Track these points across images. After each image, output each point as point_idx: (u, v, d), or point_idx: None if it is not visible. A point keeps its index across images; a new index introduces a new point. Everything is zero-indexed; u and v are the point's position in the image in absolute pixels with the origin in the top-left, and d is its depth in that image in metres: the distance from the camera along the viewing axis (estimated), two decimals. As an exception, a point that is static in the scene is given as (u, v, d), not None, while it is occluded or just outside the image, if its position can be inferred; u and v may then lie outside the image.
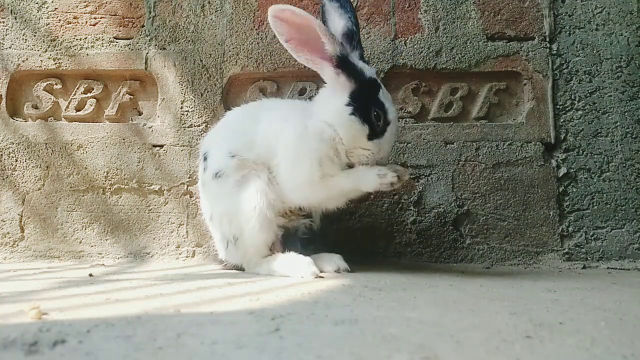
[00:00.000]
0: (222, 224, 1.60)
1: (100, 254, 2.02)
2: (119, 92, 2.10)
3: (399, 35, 2.07)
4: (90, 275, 1.56)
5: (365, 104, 1.41)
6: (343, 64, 1.43)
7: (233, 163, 1.56)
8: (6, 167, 2.05)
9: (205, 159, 1.66)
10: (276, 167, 1.54)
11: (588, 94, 2.04)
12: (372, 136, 1.42)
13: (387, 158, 1.52)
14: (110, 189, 2.04)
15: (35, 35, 2.10)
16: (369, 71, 1.47)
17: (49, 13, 2.11)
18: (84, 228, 2.03)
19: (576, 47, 2.06)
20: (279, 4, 2.06)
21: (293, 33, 1.43)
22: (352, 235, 1.99)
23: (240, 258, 1.62)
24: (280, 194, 1.54)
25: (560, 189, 2.01)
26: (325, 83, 1.52)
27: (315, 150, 1.45)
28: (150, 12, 2.10)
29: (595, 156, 2.02)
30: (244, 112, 1.72)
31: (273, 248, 1.59)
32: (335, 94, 1.46)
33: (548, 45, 2.06)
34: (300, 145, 1.47)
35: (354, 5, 2.08)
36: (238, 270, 1.71)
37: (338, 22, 1.53)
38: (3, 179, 2.05)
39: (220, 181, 1.57)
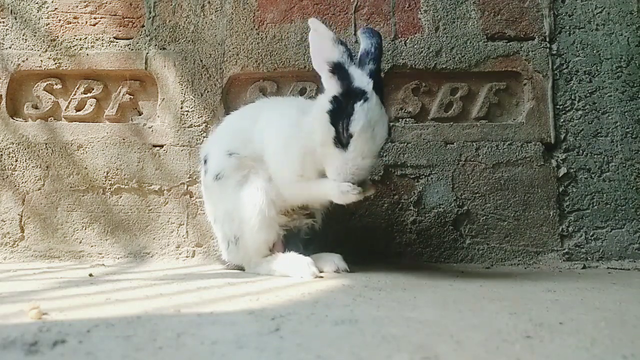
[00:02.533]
0: (224, 224, 1.62)
1: (100, 254, 2.02)
2: (119, 92, 2.10)
3: (399, 35, 2.07)
4: (90, 275, 1.56)
5: (340, 109, 1.39)
6: (338, 69, 1.44)
7: (232, 162, 1.58)
8: (6, 167, 2.05)
9: (205, 162, 1.69)
10: (267, 161, 1.56)
11: (588, 94, 2.04)
12: (337, 142, 1.38)
13: (362, 174, 1.38)
14: (110, 189, 2.04)
15: (35, 35, 2.10)
16: (361, 82, 1.41)
17: (49, 13, 2.11)
18: (84, 228, 2.03)
19: (576, 47, 2.06)
20: (280, 6, 2.08)
21: (319, 41, 1.47)
22: (352, 235, 1.99)
23: (241, 258, 1.64)
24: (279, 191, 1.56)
25: (560, 189, 2.00)
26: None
27: (303, 146, 1.46)
28: (150, 12, 2.10)
29: (595, 156, 2.01)
30: (243, 112, 1.75)
31: (274, 248, 1.60)
32: (325, 90, 1.48)
33: (548, 45, 2.05)
34: (290, 139, 1.49)
35: (354, 5, 2.09)
36: (236, 268, 1.72)
37: (363, 44, 1.56)
38: (3, 179, 2.05)
39: (221, 183, 1.59)
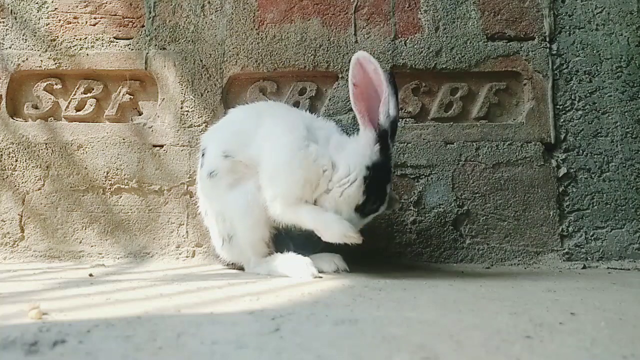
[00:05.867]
0: (218, 222, 1.64)
1: (100, 254, 2.02)
2: (119, 92, 2.10)
3: (399, 35, 2.08)
4: (90, 275, 1.56)
5: (374, 182, 1.43)
6: (383, 138, 1.44)
7: (226, 164, 1.58)
8: (6, 167, 2.05)
9: (203, 155, 1.69)
10: (262, 172, 1.52)
11: (588, 94, 2.04)
12: (359, 209, 1.45)
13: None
14: (110, 189, 2.04)
15: (35, 35, 2.10)
16: (391, 161, 1.49)
17: (49, 13, 2.11)
18: (84, 228, 2.03)
19: (576, 47, 2.06)
20: (280, 6, 2.08)
21: (364, 81, 1.43)
22: (352, 235, 1.98)
23: (237, 256, 1.66)
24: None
25: (560, 189, 2.01)
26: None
27: (306, 173, 1.45)
28: (150, 12, 2.10)
29: (595, 156, 2.02)
30: (247, 113, 1.72)
31: (271, 247, 1.60)
32: (367, 150, 1.44)
33: (548, 45, 2.06)
34: (293, 163, 1.46)
35: (354, 5, 2.09)
36: (235, 266, 1.74)
37: (385, 124, 1.52)
38: (3, 179, 2.05)
39: (214, 181, 1.60)
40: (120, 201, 2.05)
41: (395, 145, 2.00)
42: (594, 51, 2.06)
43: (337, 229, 1.40)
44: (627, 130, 2.03)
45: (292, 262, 1.50)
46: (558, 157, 2.02)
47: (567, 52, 2.06)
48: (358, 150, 1.46)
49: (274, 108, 1.70)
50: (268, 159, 1.52)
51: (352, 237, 1.38)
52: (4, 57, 2.08)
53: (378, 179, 1.43)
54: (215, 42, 2.08)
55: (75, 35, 2.10)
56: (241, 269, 1.70)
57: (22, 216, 2.03)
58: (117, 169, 2.04)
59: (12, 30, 2.10)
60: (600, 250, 1.97)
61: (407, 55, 2.06)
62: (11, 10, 2.11)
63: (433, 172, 2.02)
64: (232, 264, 1.74)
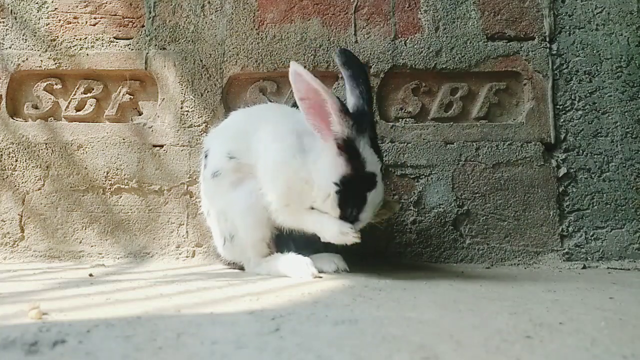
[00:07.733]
0: (220, 221, 1.64)
1: (100, 254, 2.02)
2: (119, 92, 2.10)
3: (399, 35, 2.07)
4: (90, 275, 1.56)
5: (350, 194, 1.37)
6: (347, 147, 1.36)
7: (231, 165, 1.59)
8: (6, 167, 2.05)
9: (206, 156, 1.70)
10: (261, 176, 1.53)
11: (588, 94, 2.04)
12: (342, 218, 1.40)
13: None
14: (110, 189, 2.04)
15: (35, 35, 2.10)
16: (372, 165, 1.38)
17: (49, 13, 2.11)
18: (84, 228, 2.03)
19: (576, 47, 2.06)
20: (280, 6, 2.08)
21: (309, 94, 1.36)
22: (352, 235, 1.98)
23: (238, 256, 1.66)
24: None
25: (560, 189, 2.00)
26: None
27: (288, 182, 1.44)
28: (150, 12, 2.10)
29: (595, 156, 2.01)
30: (247, 115, 1.72)
31: (272, 247, 1.60)
32: (332, 165, 1.38)
33: (548, 45, 2.06)
34: (278, 171, 1.46)
35: (354, 5, 2.09)
36: (235, 266, 1.74)
37: (349, 97, 1.46)
38: (3, 179, 2.05)
39: (217, 180, 1.61)
40: (120, 201, 2.05)
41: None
42: (594, 51, 2.06)
43: (333, 227, 1.40)
44: (627, 130, 2.02)
45: (292, 262, 1.50)
46: (558, 157, 2.02)
47: (567, 52, 2.06)
48: (325, 165, 1.40)
49: (273, 112, 1.69)
50: (261, 169, 1.53)
51: (348, 233, 1.37)
52: (4, 57, 2.08)
53: (353, 189, 1.37)
54: (215, 42, 2.08)
55: (75, 35, 2.10)
56: (242, 268, 1.70)
57: (22, 216, 2.03)
58: (117, 169, 2.04)
59: (12, 30, 2.10)
60: (600, 250, 1.97)
61: (407, 55, 2.06)
62: (11, 10, 2.11)
63: (433, 172, 2.02)
64: (233, 263, 1.74)
